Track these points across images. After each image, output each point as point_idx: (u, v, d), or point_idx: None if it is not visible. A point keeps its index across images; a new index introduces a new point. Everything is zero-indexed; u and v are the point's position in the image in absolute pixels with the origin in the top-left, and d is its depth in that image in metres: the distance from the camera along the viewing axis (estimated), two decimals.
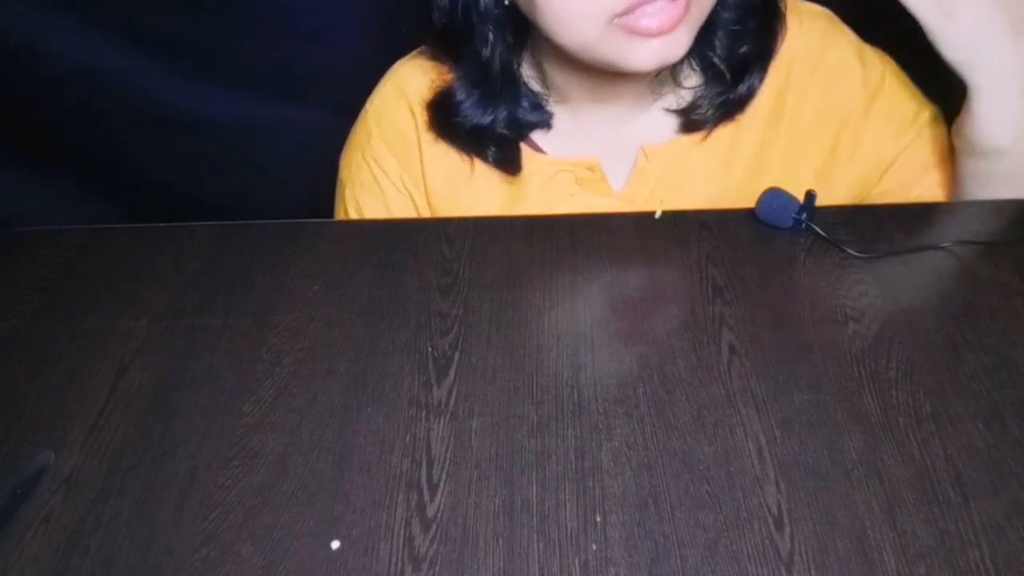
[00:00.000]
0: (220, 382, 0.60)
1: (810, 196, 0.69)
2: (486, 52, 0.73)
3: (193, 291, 0.68)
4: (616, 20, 0.64)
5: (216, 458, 0.55)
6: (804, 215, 0.69)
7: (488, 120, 0.76)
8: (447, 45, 0.76)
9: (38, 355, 0.63)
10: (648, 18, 0.64)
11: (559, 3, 0.65)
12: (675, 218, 0.72)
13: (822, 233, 0.69)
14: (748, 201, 0.72)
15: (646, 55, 0.66)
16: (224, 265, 0.70)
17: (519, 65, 0.77)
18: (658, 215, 0.72)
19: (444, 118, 0.78)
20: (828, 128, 0.79)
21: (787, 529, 0.50)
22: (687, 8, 0.64)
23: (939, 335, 0.61)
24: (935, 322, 0.62)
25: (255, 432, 0.57)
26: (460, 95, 0.76)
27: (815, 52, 0.78)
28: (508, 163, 0.78)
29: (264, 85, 1.02)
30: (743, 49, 0.75)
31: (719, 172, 0.79)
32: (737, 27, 0.75)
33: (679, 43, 0.66)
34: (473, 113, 0.76)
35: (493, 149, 0.78)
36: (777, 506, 0.51)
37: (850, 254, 0.67)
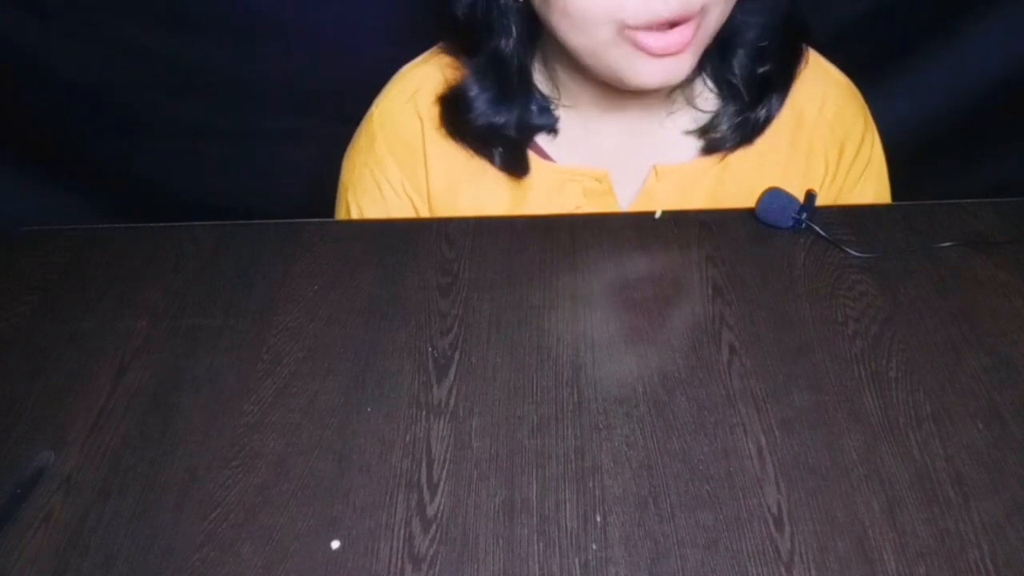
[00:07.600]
0: (220, 382, 0.60)
1: (810, 196, 0.69)
2: (506, 47, 0.73)
3: (193, 291, 0.68)
4: (626, 31, 0.65)
5: (216, 458, 0.55)
6: (804, 215, 0.69)
7: (501, 120, 0.75)
8: (465, 40, 0.75)
9: (38, 355, 0.63)
10: (655, 39, 0.65)
11: (572, 4, 0.65)
12: (675, 218, 0.72)
13: (822, 233, 0.69)
14: None
15: (649, 73, 0.67)
16: (224, 265, 0.70)
17: (531, 66, 0.77)
18: (658, 215, 0.72)
19: (455, 115, 0.77)
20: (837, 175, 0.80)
21: (787, 529, 0.50)
22: (695, 33, 0.65)
23: (939, 335, 0.61)
24: (935, 322, 0.62)
25: (255, 432, 0.57)
26: (473, 91, 0.75)
27: (831, 103, 0.79)
28: (515, 165, 0.78)
29: (268, 96, 1.02)
30: (762, 70, 0.76)
31: (732, 199, 0.78)
32: (757, 48, 0.75)
33: (683, 65, 0.67)
34: (486, 110, 0.75)
35: (500, 150, 0.77)
36: (777, 506, 0.51)
37: (850, 254, 0.67)
